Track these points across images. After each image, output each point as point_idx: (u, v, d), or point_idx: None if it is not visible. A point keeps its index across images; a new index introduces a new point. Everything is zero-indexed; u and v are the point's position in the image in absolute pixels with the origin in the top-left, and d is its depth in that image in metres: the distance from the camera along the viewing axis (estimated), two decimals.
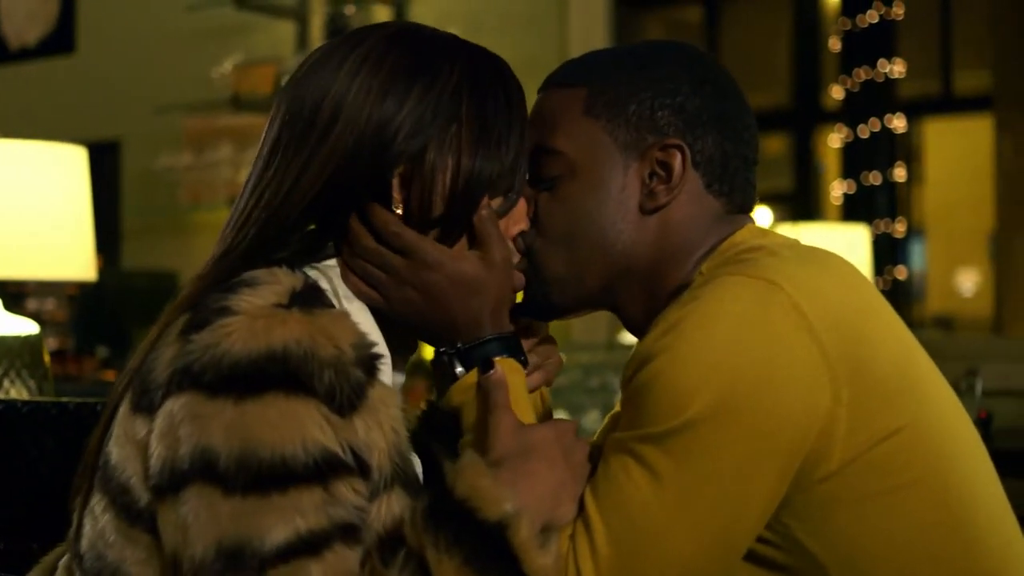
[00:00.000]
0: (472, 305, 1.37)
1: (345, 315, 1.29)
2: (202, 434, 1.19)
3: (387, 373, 1.32)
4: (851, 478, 1.29)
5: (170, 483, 1.20)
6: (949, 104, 9.18)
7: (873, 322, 1.36)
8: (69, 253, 3.21)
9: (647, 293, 1.46)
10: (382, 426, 1.25)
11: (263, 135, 1.41)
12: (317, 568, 1.17)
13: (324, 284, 1.37)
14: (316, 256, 1.39)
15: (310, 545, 1.17)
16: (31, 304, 4.85)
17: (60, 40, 5.66)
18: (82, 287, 4.84)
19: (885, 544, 1.31)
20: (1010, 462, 2.06)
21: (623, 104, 1.45)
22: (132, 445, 1.26)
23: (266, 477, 1.17)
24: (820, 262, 1.39)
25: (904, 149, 7.63)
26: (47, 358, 3.07)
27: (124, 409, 1.28)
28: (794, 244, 1.44)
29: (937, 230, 9.84)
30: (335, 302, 1.36)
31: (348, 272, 1.39)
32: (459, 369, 1.39)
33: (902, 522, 1.31)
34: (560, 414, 3.39)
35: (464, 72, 1.38)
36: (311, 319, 1.24)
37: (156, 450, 1.22)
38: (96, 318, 4.85)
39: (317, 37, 5.01)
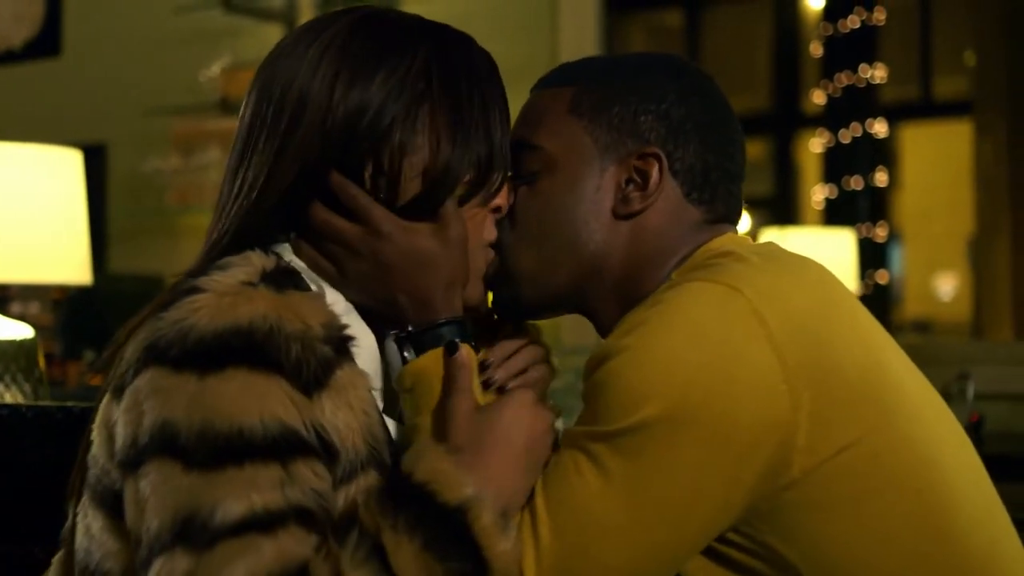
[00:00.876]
0: (423, 281, 1.36)
1: (319, 296, 1.30)
2: (163, 407, 1.19)
3: (364, 357, 1.32)
4: (815, 485, 1.29)
5: (132, 458, 1.20)
6: (929, 109, 9.23)
7: (839, 328, 1.35)
8: (63, 256, 3.20)
9: (619, 298, 1.46)
10: (352, 407, 1.25)
11: (237, 126, 1.41)
12: (269, 546, 1.16)
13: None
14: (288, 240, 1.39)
15: (263, 523, 1.16)
16: (15, 308, 4.82)
17: (46, 43, 5.63)
18: (67, 290, 4.82)
19: (857, 548, 1.31)
20: (1002, 466, 2.07)
21: (607, 106, 1.46)
22: (106, 429, 1.26)
23: (223, 450, 1.17)
24: (789, 268, 1.39)
25: (884, 154, 7.67)
26: (42, 362, 3.07)
27: (106, 397, 1.29)
28: (767, 250, 1.43)
29: (914, 235, 9.88)
30: (312, 286, 1.35)
31: (303, 247, 1.38)
32: (408, 353, 1.37)
33: (873, 526, 1.31)
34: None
35: (431, 53, 1.38)
36: (279, 297, 1.24)
37: (120, 427, 1.22)
38: (83, 322, 4.83)
39: None
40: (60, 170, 3.20)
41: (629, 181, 1.45)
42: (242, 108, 1.41)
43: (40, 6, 5.66)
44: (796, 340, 1.29)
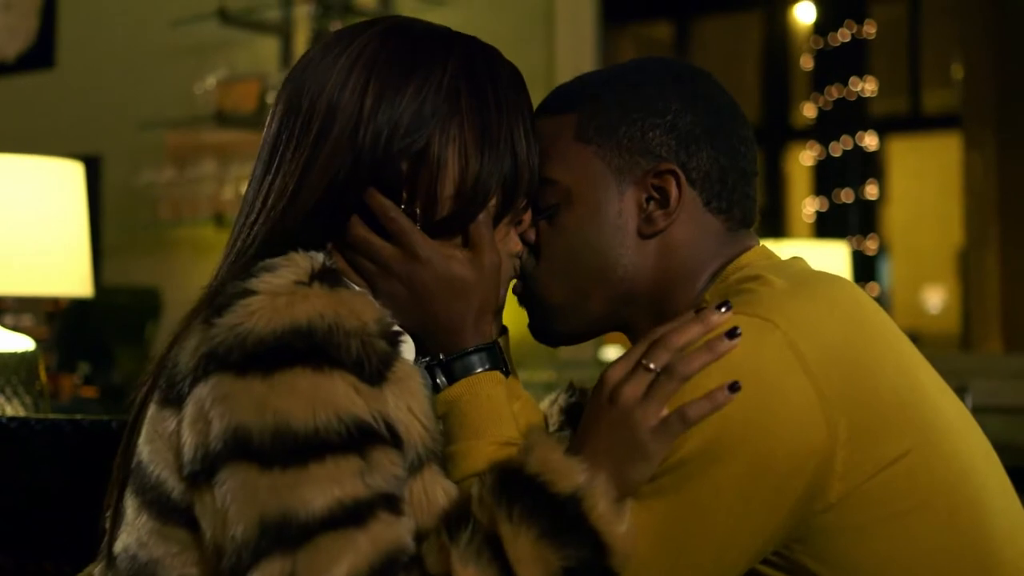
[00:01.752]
0: (456, 308, 1.37)
1: (365, 294, 1.30)
2: (233, 413, 1.18)
3: (409, 351, 1.33)
4: (852, 507, 1.29)
5: (205, 468, 1.20)
6: (918, 122, 9.26)
7: (873, 352, 1.35)
8: (65, 269, 3.19)
9: (653, 315, 1.46)
10: (412, 398, 1.26)
11: (263, 136, 1.41)
12: (363, 538, 1.17)
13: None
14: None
15: (353, 515, 1.17)
16: (7, 320, 4.80)
17: (40, 55, 5.62)
18: (59, 303, 4.80)
19: (892, 566, 1.31)
20: None
21: (613, 128, 1.45)
22: (161, 440, 1.26)
23: (302, 449, 1.17)
24: (820, 290, 1.38)
25: (874, 167, 7.69)
26: (44, 375, 3.05)
27: (152, 408, 1.28)
28: (797, 270, 1.43)
29: (901, 247, 9.90)
30: (354, 286, 1.35)
31: (336, 259, 1.38)
32: (442, 380, 1.38)
33: (908, 546, 1.31)
34: None
35: (459, 65, 1.37)
36: (333, 294, 1.24)
37: (187, 437, 1.22)
38: (76, 334, 4.81)
39: (301, 53, 4.99)
40: (62, 182, 3.19)
41: (649, 199, 1.44)
42: (268, 118, 1.41)
43: (34, 19, 5.65)
44: (831, 369, 1.29)
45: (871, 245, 6.56)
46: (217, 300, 1.26)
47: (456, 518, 1.22)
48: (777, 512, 1.27)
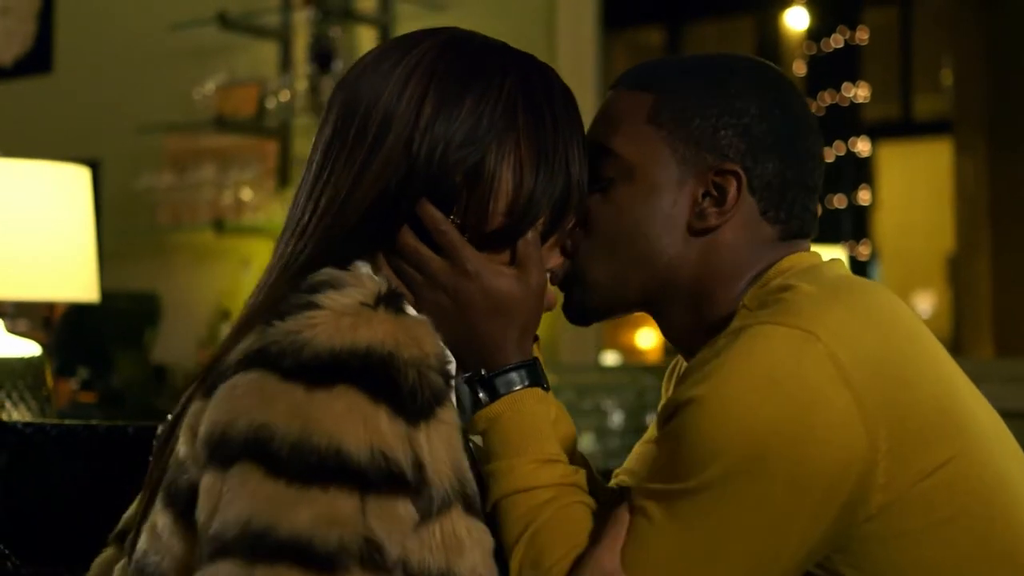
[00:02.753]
0: (499, 324, 1.37)
1: (426, 323, 1.28)
2: (263, 411, 1.17)
3: (453, 391, 1.31)
4: (892, 517, 1.29)
5: (219, 453, 1.18)
6: (909, 128, 9.29)
7: (911, 361, 1.34)
8: (71, 273, 3.18)
9: (691, 310, 1.46)
10: (449, 442, 1.24)
11: (314, 140, 1.40)
12: None
13: None
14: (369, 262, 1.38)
15: (324, 560, 1.14)
16: (5, 324, 4.79)
17: (37, 60, 5.61)
18: (54, 307, 4.79)
19: (929, 574, 1.31)
20: None
21: (688, 118, 1.44)
22: (190, 431, 1.25)
23: (315, 467, 1.15)
24: (859, 299, 1.37)
25: (867, 172, 7.71)
26: (50, 380, 3.05)
27: (195, 404, 1.27)
28: (836, 277, 1.42)
29: (891, 253, 9.92)
30: (411, 310, 1.34)
31: (382, 267, 1.37)
32: (482, 395, 1.38)
33: (947, 555, 1.31)
34: None
35: (517, 82, 1.37)
36: (397, 320, 1.23)
37: (208, 412, 1.20)
38: (75, 339, 4.80)
39: (300, 58, 4.99)
40: (68, 186, 3.18)
41: (706, 195, 1.43)
42: (321, 123, 1.40)
43: (31, 23, 5.64)
44: (872, 381, 1.28)
45: (863, 250, 6.58)
46: (279, 306, 1.25)
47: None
48: (818, 525, 1.27)
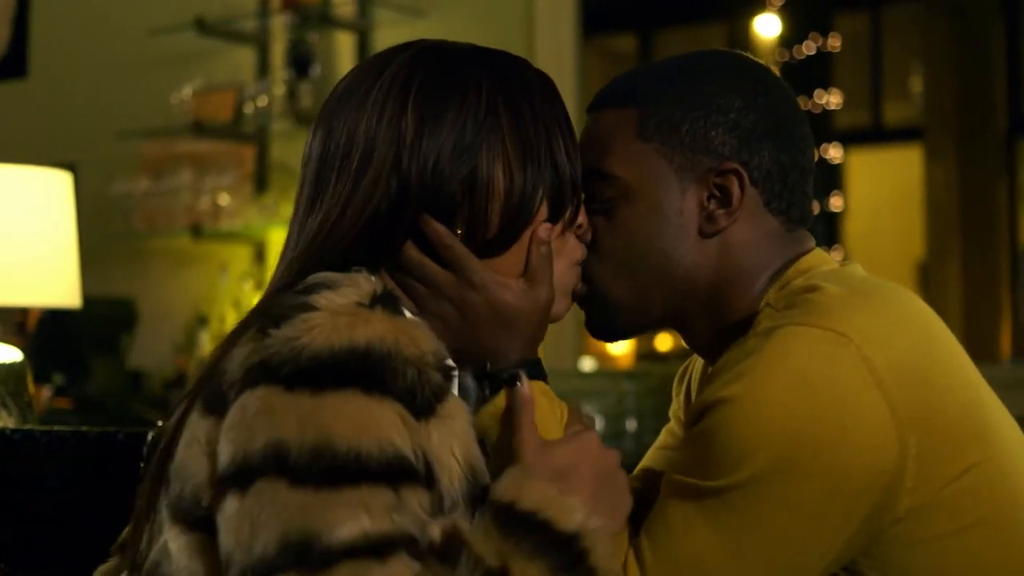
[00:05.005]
0: (503, 336, 1.36)
1: (423, 323, 1.29)
2: (275, 428, 1.16)
3: (456, 386, 1.31)
4: (918, 522, 1.29)
5: (238, 475, 1.17)
6: (880, 135, 9.34)
7: (940, 366, 1.35)
8: (53, 279, 3.16)
9: (712, 315, 1.45)
10: (458, 436, 1.24)
11: (303, 170, 1.40)
12: (380, 573, 1.14)
13: None
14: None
15: (376, 548, 1.14)
16: None
17: (13, 64, 5.57)
18: (27, 313, 4.76)
19: None
20: None
21: (676, 126, 1.43)
22: (199, 446, 1.24)
23: (339, 471, 1.15)
24: (889, 302, 1.38)
25: (838, 179, 7.76)
26: (31, 386, 3.03)
27: (195, 416, 1.26)
28: (859, 279, 1.42)
29: (861, 259, 9.97)
30: (408, 313, 1.34)
31: (386, 281, 1.36)
32: (488, 392, 1.37)
33: (970, 560, 1.32)
34: None
35: (493, 84, 1.36)
36: (394, 320, 1.23)
37: (224, 442, 1.19)
38: (51, 345, 4.77)
39: (278, 63, 4.98)
40: (49, 191, 3.16)
41: (711, 198, 1.43)
42: (307, 148, 1.40)
43: (6, 28, 5.60)
44: (904, 384, 1.29)
45: (836, 257, 6.61)
46: (273, 311, 1.24)
47: (451, 551, 1.20)
48: (847, 528, 1.28)
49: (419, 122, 1.33)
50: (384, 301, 1.25)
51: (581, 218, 1.43)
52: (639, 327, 1.51)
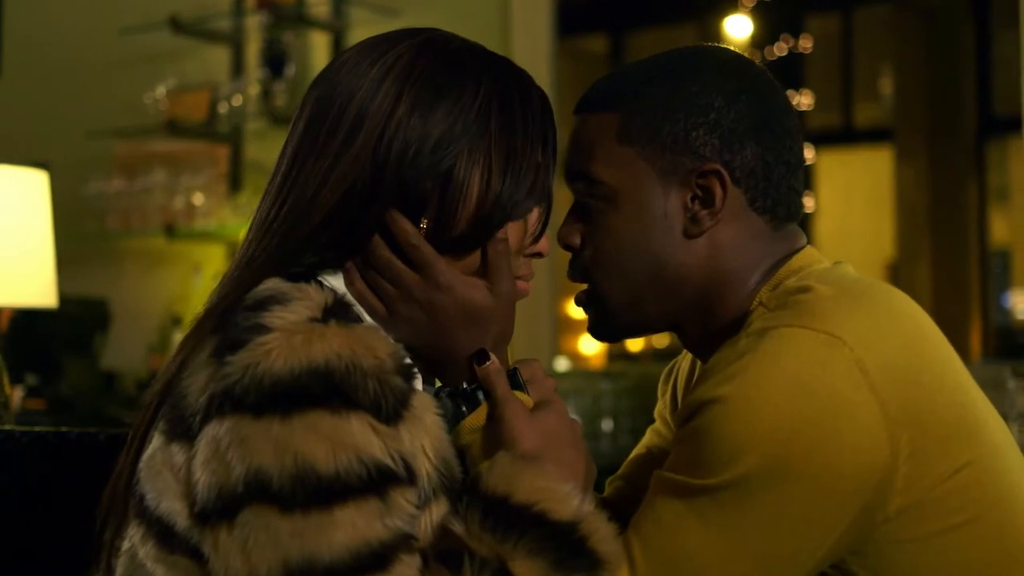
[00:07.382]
0: (474, 335, 1.36)
1: (376, 327, 1.29)
2: (252, 456, 1.17)
3: (419, 381, 1.31)
4: (908, 521, 1.31)
5: (222, 508, 1.19)
6: (850, 136, 9.38)
7: (932, 367, 1.36)
8: (29, 278, 3.15)
9: (704, 314, 1.47)
10: (428, 432, 1.24)
11: (286, 138, 1.39)
12: None
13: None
14: (335, 267, 1.37)
15: (378, 558, 1.17)
16: None
17: None
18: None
19: None
20: None
21: (656, 128, 1.44)
22: (169, 472, 1.25)
23: (324, 491, 1.16)
24: (880, 303, 1.38)
25: (809, 180, 7.77)
26: (7, 387, 3.02)
27: (158, 438, 1.27)
28: (850, 279, 1.42)
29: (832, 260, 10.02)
30: (365, 318, 1.35)
31: (355, 279, 1.37)
32: (464, 408, 1.37)
33: (959, 560, 1.33)
34: None
35: (492, 88, 1.37)
36: (348, 331, 1.23)
37: (202, 477, 1.20)
38: (23, 346, 4.75)
39: (252, 63, 4.97)
40: (24, 190, 3.15)
41: (694, 199, 1.44)
42: (294, 120, 1.39)
43: None
44: (896, 386, 1.30)
45: None
46: (228, 333, 1.24)
47: (451, 551, 1.22)
48: (837, 527, 1.29)
49: (411, 107, 1.33)
50: (336, 312, 1.26)
51: (543, 244, 1.44)
52: (638, 328, 1.53)
